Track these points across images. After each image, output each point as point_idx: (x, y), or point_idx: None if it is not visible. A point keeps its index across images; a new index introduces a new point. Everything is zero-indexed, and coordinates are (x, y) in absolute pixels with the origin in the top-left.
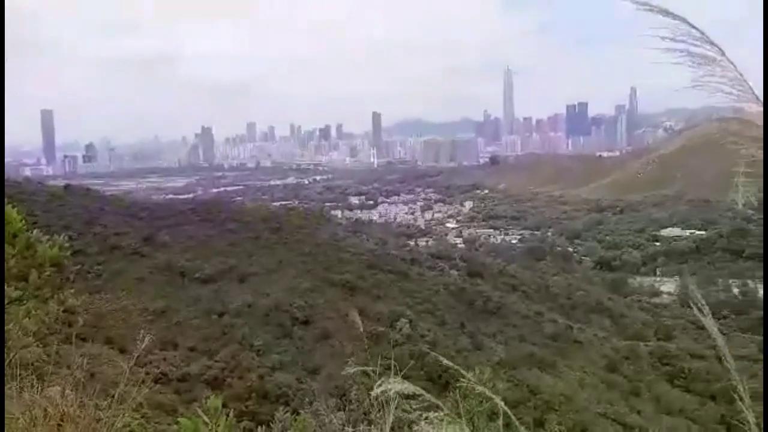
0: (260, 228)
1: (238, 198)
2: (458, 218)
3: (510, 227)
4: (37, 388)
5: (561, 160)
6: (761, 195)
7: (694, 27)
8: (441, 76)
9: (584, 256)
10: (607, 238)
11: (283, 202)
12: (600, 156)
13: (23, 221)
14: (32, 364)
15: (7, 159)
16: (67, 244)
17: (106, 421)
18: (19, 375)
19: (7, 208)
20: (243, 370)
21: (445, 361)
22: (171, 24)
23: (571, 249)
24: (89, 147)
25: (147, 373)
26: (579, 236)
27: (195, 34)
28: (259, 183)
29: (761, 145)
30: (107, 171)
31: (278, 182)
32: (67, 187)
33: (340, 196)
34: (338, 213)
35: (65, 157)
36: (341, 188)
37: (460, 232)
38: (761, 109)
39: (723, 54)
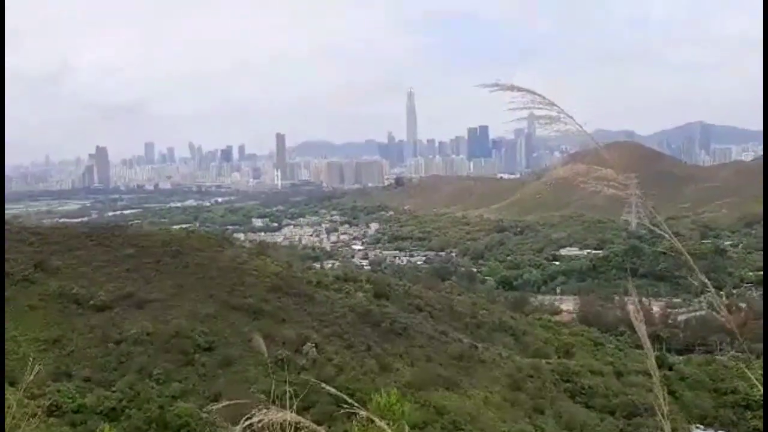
0: (159, 252)
1: (136, 221)
2: (364, 240)
3: (415, 248)
4: None
5: (463, 182)
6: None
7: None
8: (341, 95)
9: (487, 276)
10: (509, 258)
11: (184, 225)
12: (500, 178)
13: None
14: None
15: None
16: None
17: None
18: None
19: None
20: (142, 400)
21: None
22: (56, 37)
23: (474, 269)
24: None
25: (38, 406)
26: (482, 256)
27: (84, 49)
28: (158, 205)
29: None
30: None
31: (178, 204)
32: None
33: (243, 218)
34: (241, 236)
35: None
36: (244, 210)
37: (366, 253)
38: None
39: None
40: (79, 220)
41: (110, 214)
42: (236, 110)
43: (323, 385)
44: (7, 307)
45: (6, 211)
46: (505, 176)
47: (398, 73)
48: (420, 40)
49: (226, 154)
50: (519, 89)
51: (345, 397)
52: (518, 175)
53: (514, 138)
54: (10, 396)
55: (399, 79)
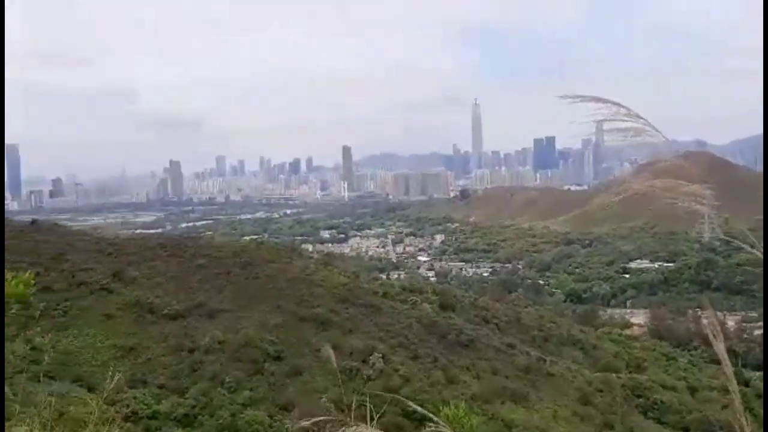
0: (230, 263)
1: (208, 233)
2: (429, 251)
3: (481, 260)
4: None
5: (529, 193)
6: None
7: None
8: (405, 108)
9: (555, 288)
10: (577, 270)
11: (254, 237)
12: (568, 189)
13: None
14: None
15: None
16: (33, 281)
17: None
18: None
19: None
20: (214, 407)
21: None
22: (131, 58)
23: (541, 281)
24: (56, 182)
25: (117, 412)
26: (549, 268)
27: (157, 68)
28: (229, 217)
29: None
30: (74, 206)
31: (248, 216)
32: (33, 222)
33: (311, 230)
34: (309, 247)
35: (31, 192)
36: (312, 222)
37: (432, 265)
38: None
39: (648, 123)
40: (154, 231)
41: (183, 225)
42: (304, 124)
43: (400, 396)
44: (86, 315)
45: (86, 223)
46: (573, 187)
47: (460, 86)
48: (479, 54)
49: (294, 166)
50: (603, 100)
51: (416, 406)
52: (586, 187)
53: (582, 148)
54: (92, 401)
55: (461, 93)
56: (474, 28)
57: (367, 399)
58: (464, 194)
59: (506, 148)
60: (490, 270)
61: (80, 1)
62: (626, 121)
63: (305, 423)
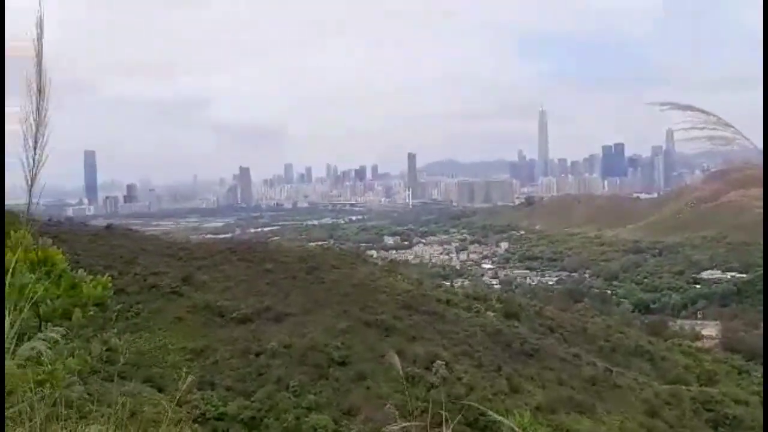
0: (296, 268)
1: (275, 238)
2: (494, 259)
3: (546, 268)
4: (80, 426)
5: (597, 201)
6: None
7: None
8: (468, 116)
9: (623, 298)
10: (646, 280)
11: (320, 242)
12: (637, 197)
13: (67, 262)
14: (74, 403)
15: (50, 199)
16: (110, 284)
17: None
18: (64, 413)
19: (52, 249)
20: (279, 410)
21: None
22: (202, 68)
23: (609, 291)
24: (130, 187)
25: (187, 413)
26: (617, 278)
27: (227, 78)
28: (296, 223)
29: None
30: (147, 211)
31: (314, 222)
32: (108, 227)
33: (375, 236)
34: (374, 253)
35: (107, 197)
36: (377, 228)
37: (496, 273)
38: None
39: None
40: (223, 236)
41: (252, 230)
42: (370, 132)
43: (473, 403)
44: (157, 317)
45: (158, 227)
46: (642, 195)
47: (527, 94)
48: (546, 62)
49: (360, 173)
50: (694, 109)
51: (487, 409)
52: (656, 195)
53: (651, 156)
54: (163, 402)
55: (528, 100)
56: (539, 36)
57: (443, 406)
58: (530, 201)
59: (573, 155)
60: (555, 279)
61: (154, 12)
62: (716, 129)
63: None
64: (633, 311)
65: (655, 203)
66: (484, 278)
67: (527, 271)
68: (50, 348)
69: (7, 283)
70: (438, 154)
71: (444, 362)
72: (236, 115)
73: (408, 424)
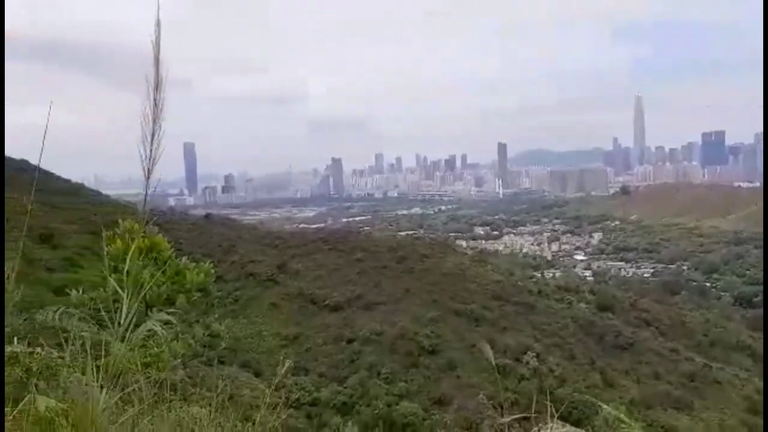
0: (387, 257)
1: (366, 228)
2: (587, 250)
3: (642, 260)
4: (182, 407)
5: (696, 190)
6: None
7: None
8: (560, 105)
9: (723, 291)
10: (748, 272)
11: (409, 232)
12: (738, 186)
13: (172, 249)
14: (177, 385)
15: (152, 189)
16: (212, 271)
17: None
18: (167, 395)
19: (158, 236)
20: (371, 397)
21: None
22: (296, 63)
23: (708, 284)
24: (228, 178)
25: (286, 398)
26: (717, 270)
27: (321, 71)
28: (386, 213)
29: None
30: (244, 201)
31: (404, 212)
32: (207, 216)
33: (465, 226)
34: (463, 243)
35: (205, 187)
36: (466, 218)
37: (589, 264)
38: None
39: None
40: (315, 226)
41: (343, 220)
42: (461, 121)
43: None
44: (254, 304)
45: (254, 217)
46: (744, 184)
47: (620, 81)
48: (634, 50)
49: (450, 163)
50: None
51: (607, 406)
52: (758, 184)
53: (754, 143)
54: (260, 386)
55: (621, 88)
56: (635, 23)
57: (548, 398)
58: (625, 191)
59: (671, 143)
60: (651, 271)
61: (247, 10)
62: None
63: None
64: (734, 305)
65: (758, 192)
66: (577, 269)
67: (622, 263)
68: (165, 330)
69: (125, 270)
70: (530, 143)
71: (535, 354)
72: (330, 107)
73: (513, 416)
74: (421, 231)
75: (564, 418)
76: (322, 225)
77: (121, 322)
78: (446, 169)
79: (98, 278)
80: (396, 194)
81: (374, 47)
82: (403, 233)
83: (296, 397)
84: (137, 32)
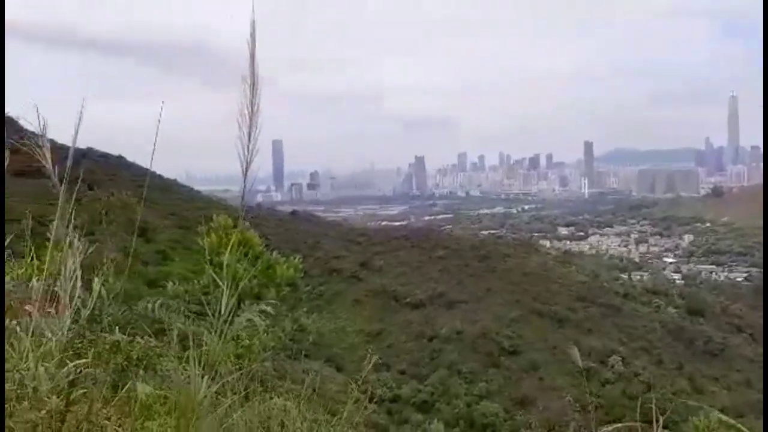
0: (469, 256)
1: (448, 226)
2: (676, 252)
3: (735, 264)
4: (272, 398)
5: None
6: None
7: None
8: (649, 103)
9: None
10: None
11: (492, 231)
12: None
13: (262, 245)
14: (264, 377)
15: (249, 187)
16: (300, 266)
17: None
18: (253, 387)
19: (249, 232)
20: (451, 396)
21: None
22: (378, 62)
23: None
24: (313, 175)
25: (365, 393)
26: None
27: (401, 71)
28: (468, 211)
29: None
30: (328, 198)
31: (486, 211)
32: (293, 212)
33: (548, 226)
34: (547, 243)
35: (291, 184)
36: (550, 218)
37: (678, 267)
38: None
39: None
40: (398, 223)
41: (426, 218)
42: (545, 118)
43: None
44: (338, 300)
45: (338, 214)
46: None
47: (714, 78)
48: (733, 46)
49: (534, 162)
50: None
51: (697, 404)
52: None
53: None
54: (342, 381)
55: (713, 86)
56: (732, 21)
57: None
58: (717, 192)
59: None
60: (744, 275)
61: (335, 10)
62: None
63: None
64: None
65: None
66: (665, 272)
67: (713, 266)
68: (263, 321)
69: (223, 263)
70: (617, 141)
71: (620, 357)
72: (414, 105)
73: (620, 425)
74: (504, 230)
75: (650, 423)
76: (405, 223)
77: (221, 313)
78: (530, 167)
79: (187, 271)
80: (478, 193)
81: (457, 44)
82: (485, 232)
83: (376, 393)
84: (224, 32)
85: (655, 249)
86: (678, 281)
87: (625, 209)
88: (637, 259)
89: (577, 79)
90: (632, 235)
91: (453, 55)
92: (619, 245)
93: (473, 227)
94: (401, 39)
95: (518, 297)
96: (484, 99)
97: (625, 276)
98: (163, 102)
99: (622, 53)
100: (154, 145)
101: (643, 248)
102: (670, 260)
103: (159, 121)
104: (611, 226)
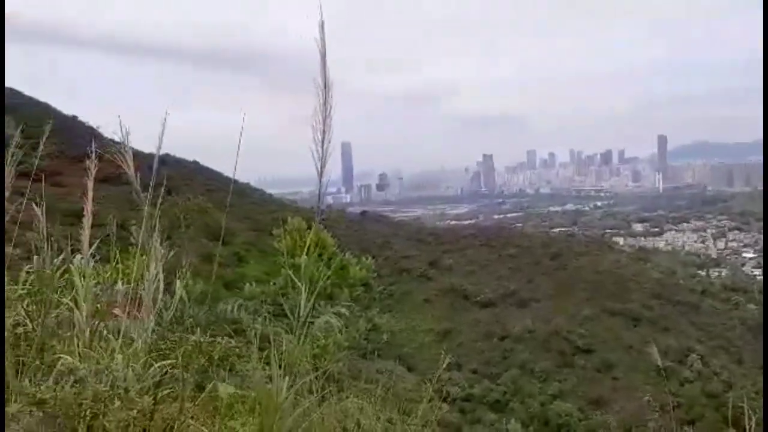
0: (540, 254)
1: (518, 224)
2: (756, 248)
3: None
4: (348, 397)
5: None
6: None
7: None
8: (723, 95)
9: None
10: None
11: (562, 229)
12: None
13: (335, 246)
14: (336, 377)
15: (312, 187)
16: (372, 266)
17: None
18: (326, 385)
19: (323, 233)
20: (524, 395)
21: None
22: (447, 61)
23: None
24: (382, 176)
25: (435, 391)
26: None
27: (468, 68)
28: (538, 209)
29: None
30: (397, 198)
31: (557, 209)
32: (363, 213)
33: (622, 222)
34: (620, 240)
35: (361, 185)
36: (623, 214)
37: (759, 262)
38: None
39: None
40: (467, 222)
41: (495, 217)
42: (616, 113)
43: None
44: (408, 299)
45: (407, 214)
46: None
47: None
48: None
49: (606, 157)
50: None
51: None
52: None
53: None
54: (413, 380)
55: None
56: None
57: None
58: None
59: None
60: None
61: (402, 11)
62: None
63: None
64: None
65: None
66: (745, 268)
67: None
68: (338, 321)
69: (301, 265)
70: (690, 135)
71: (699, 356)
72: (481, 103)
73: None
74: (575, 228)
75: (734, 424)
76: (474, 221)
77: (300, 314)
78: (601, 163)
79: (261, 273)
80: (548, 190)
81: (524, 41)
82: (556, 230)
83: (448, 392)
84: (291, 35)
85: (734, 244)
86: (758, 277)
87: (700, 204)
88: (714, 255)
89: (649, 72)
90: (709, 231)
91: (522, 52)
92: (695, 241)
93: (543, 225)
94: (472, 38)
95: (591, 295)
96: (554, 95)
97: (702, 272)
98: (245, 114)
99: (695, 50)
100: (237, 152)
101: (720, 244)
102: (750, 255)
103: (241, 131)
104: (687, 222)
